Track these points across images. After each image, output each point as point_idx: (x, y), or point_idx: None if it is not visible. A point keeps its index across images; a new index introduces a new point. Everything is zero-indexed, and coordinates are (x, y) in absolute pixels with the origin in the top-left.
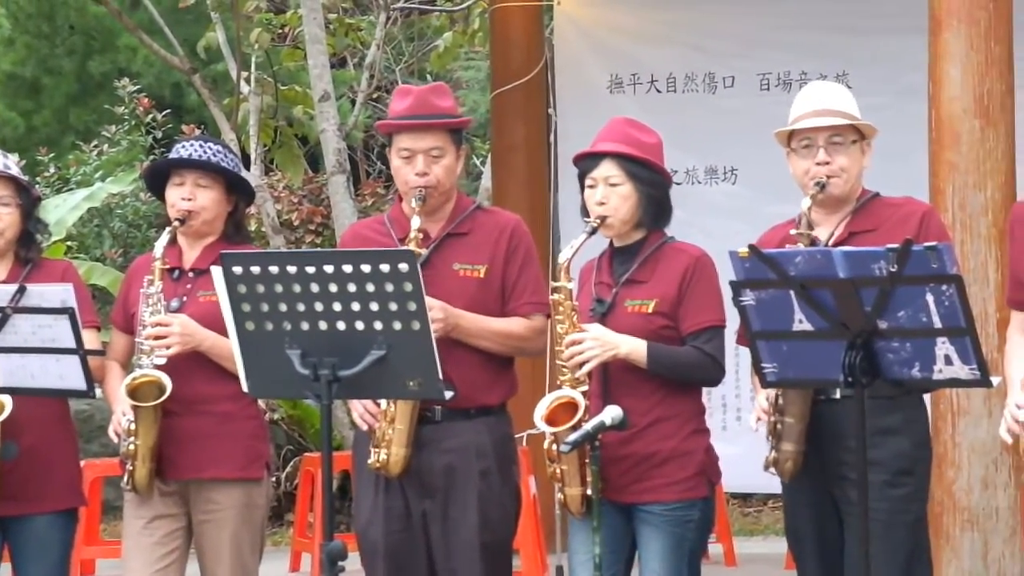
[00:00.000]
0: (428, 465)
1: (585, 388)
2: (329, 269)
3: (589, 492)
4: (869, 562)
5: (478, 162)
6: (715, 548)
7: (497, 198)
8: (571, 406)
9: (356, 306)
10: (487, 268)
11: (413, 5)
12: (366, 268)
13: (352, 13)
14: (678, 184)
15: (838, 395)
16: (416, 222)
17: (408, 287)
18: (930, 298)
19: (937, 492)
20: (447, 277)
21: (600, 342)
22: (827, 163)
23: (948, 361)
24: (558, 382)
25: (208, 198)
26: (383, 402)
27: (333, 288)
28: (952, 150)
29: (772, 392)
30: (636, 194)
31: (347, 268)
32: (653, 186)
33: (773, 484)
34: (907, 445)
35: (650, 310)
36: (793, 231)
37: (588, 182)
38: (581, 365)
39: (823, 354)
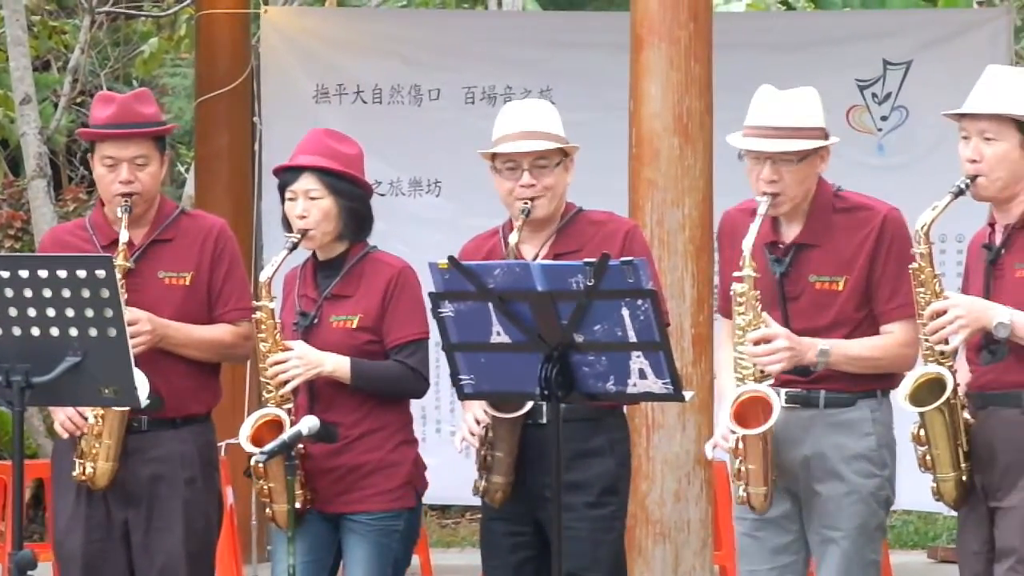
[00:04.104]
0: (133, 475)
1: (290, 406)
2: (24, 274)
3: (297, 505)
4: None
5: (183, 169)
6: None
7: (200, 205)
8: (277, 424)
9: (51, 312)
10: (193, 275)
11: (119, 9)
12: (62, 273)
13: (56, 16)
14: (382, 196)
15: (544, 419)
16: (124, 236)
17: (105, 293)
18: (626, 312)
19: (631, 505)
20: (153, 286)
21: (304, 361)
22: (532, 185)
23: (642, 375)
24: (263, 400)
25: None
26: (90, 416)
27: (28, 293)
28: (651, 167)
29: (483, 419)
30: (336, 207)
31: (43, 273)
32: (353, 199)
33: (471, 496)
34: (611, 465)
35: (354, 325)
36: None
37: (288, 195)
38: (285, 383)
39: (520, 367)
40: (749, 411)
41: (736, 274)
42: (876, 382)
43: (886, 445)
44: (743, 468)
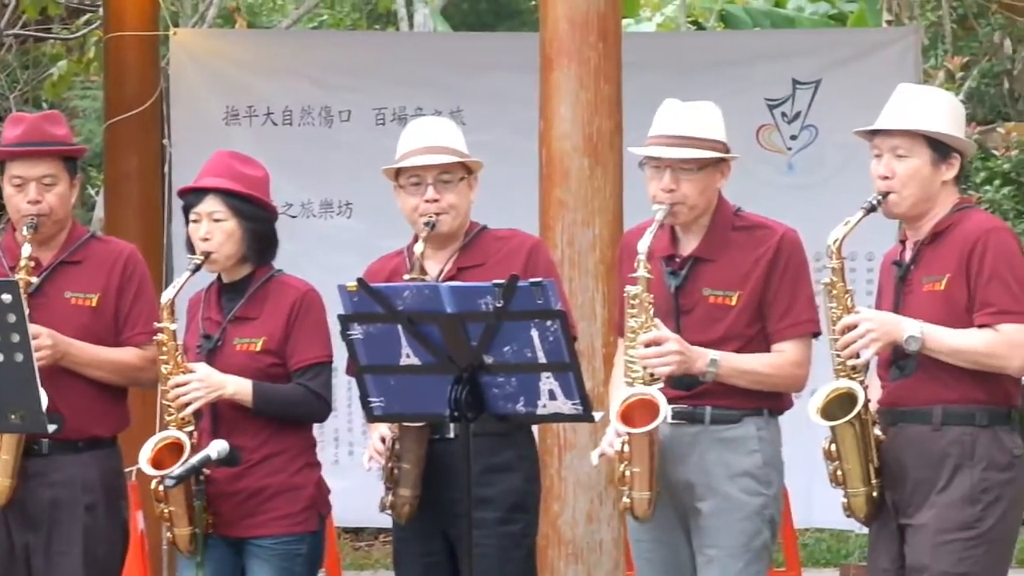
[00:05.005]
0: (33, 498)
1: (191, 428)
2: None
3: (198, 531)
4: None
5: (93, 192)
6: None
7: (110, 228)
8: (177, 446)
9: None
10: (100, 297)
11: (28, 32)
12: None
13: None
14: (293, 217)
15: (452, 434)
16: (27, 250)
17: (11, 318)
18: (535, 333)
19: (543, 526)
20: (58, 305)
21: (205, 383)
22: (436, 200)
23: (552, 396)
24: (165, 422)
25: None
26: None
27: None
28: (562, 187)
29: (388, 435)
30: (240, 230)
31: None
32: (257, 221)
33: (384, 518)
34: (519, 481)
35: (258, 348)
36: (407, 276)
37: (192, 217)
38: (186, 406)
39: (430, 388)
40: (636, 413)
41: (631, 275)
42: (763, 400)
43: (772, 464)
44: (628, 472)
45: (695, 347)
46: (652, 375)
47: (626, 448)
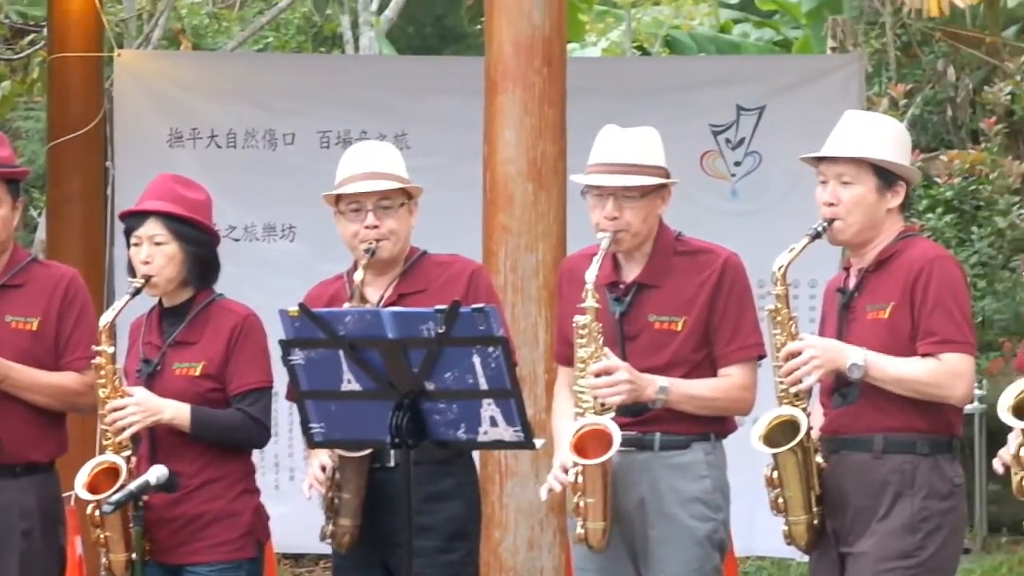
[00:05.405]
0: None
1: (128, 453)
2: None
3: (134, 556)
4: None
5: (36, 214)
6: None
7: (51, 250)
8: (114, 471)
9: None
10: (40, 321)
11: None
12: None
13: None
14: (236, 241)
15: (392, 462)
16: None
17: None
18: (477, 360)
19: (484, 553)
20: None
21: (142, 408)
22: (376, 227)
23: (493, 423)
24: (103, 446)
25: None
26: None
27: None
28: (505, 212)
29: (329, 464)
30: (181, 253)
31: None
32: (199, 245)
33: (325, 545)
34: (460, 509)
35: (197, 373)
36: (347, 304)
37: (133, 240)
38: (123, 430)
39: (371, 414)
40: (589, 444)
41: (579, 305)
42: (709, 425)
43: (720, 489)
44: (582, 503)
45: (644, 375)
46: (603, 405)
47: (580, 479)
